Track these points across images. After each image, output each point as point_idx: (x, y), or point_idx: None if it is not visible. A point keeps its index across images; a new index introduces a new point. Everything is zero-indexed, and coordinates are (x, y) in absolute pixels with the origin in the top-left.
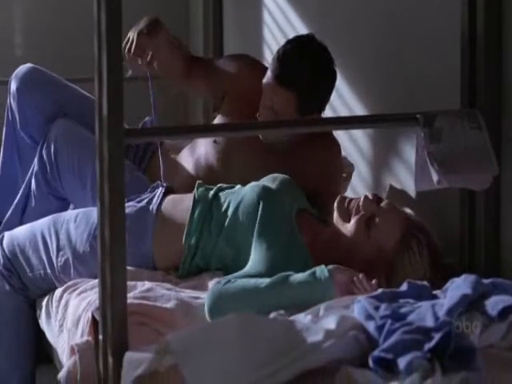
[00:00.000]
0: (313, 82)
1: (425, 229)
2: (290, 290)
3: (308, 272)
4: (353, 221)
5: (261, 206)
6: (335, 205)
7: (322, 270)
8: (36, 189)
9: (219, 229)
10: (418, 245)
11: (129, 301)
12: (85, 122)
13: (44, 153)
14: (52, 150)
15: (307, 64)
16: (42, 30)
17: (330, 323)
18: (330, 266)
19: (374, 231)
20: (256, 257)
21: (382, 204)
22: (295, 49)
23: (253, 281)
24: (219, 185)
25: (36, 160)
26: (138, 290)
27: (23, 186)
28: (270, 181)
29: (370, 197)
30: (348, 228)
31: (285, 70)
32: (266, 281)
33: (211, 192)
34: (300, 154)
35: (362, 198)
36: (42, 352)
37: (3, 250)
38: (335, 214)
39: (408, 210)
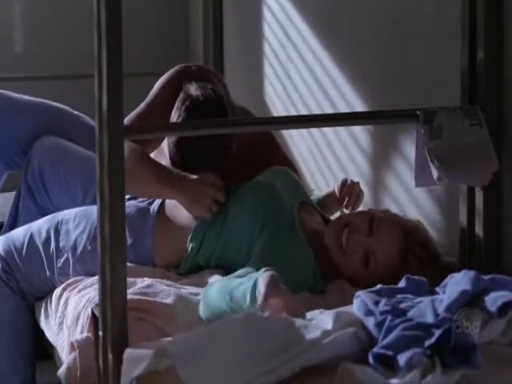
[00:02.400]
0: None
1: (422, 237)
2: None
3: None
4: (349, 260)
5: (260, 206)
6: (326, 236)
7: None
8: (25, 212)
9: (220, 229)
10: (419, 261)
11: (128, 296)
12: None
13: (29, 178)
14: (36, 173)
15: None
16: (42, 27)
17: (329, 321)
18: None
19: (372, 266)
20: (256, 256)
21: (375, 232)
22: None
23: (225, 290)
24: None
25: (21, 187)
26: (138, 286)
27: (9, 210)
28: (269, 177)
29: (364, 223)
30: (344, 265)
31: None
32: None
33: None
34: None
35: (355, 234)
36: (42, 352)
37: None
38: (328, 244)
39: (400, 215)
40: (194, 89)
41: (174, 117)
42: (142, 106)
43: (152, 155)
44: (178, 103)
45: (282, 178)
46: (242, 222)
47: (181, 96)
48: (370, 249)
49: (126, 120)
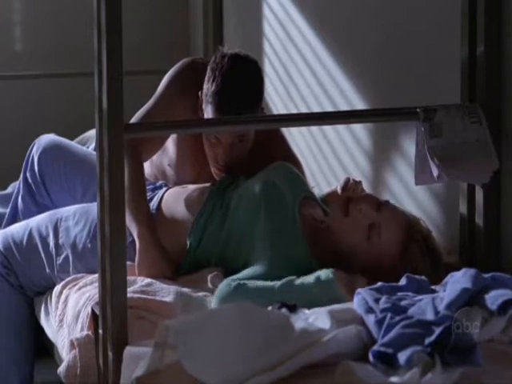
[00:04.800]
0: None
1: (424, 231)
2: (300, 294)
3: (314, 275)
4: (353, 227)
5: (262, 203)
6: (332, 199)
7: (325, 273)
8: (24, 209)
9: (220, 226)
10: (420, 249)
11: (128, 295)
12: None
13: (28, 175)
14: (36, 169)
15: (251, 92)
16: (42, 24)
17: (326, 320)
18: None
19: (375, 239)
20: (260, 256)
21: (383, 209)
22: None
23: (263, 287)
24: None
25: (21, 184)
26: (138, 284)
27: (9, 208)
28: (271, 173)
29: (372, 200)
30: (348, 233)
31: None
32: (276, 285)
33: (222, 189)
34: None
35: (362, 204)
36: (42, 348)
37: None
38: (333, 210)
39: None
40: (226, 49)
41: (210, 76)
42: (151, 102)
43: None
44: (212, 64)
45: (283, 174)
46: (243, 220)
47: (213, 59)
48: (376, 221)
49: (135, 118)
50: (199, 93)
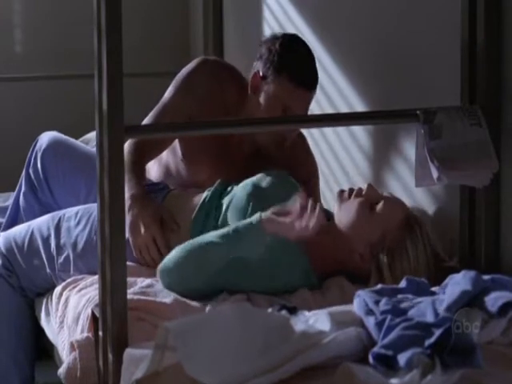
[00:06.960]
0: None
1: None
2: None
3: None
4: (355, 202)
5: (250, 207)
6: (337, 195)
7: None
8: (26, 206)
9: (215, 225)
10: (421, 229)
11: (128, 296)
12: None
13: (31, 172)
14: (39, 166)
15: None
16: (42, 26)
17: (325, 322)
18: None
19: (377, 212)
20: None
21: (384, 194)
22: (307, 50)
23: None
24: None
25: (23, 181)
26: (138, 286)
27: (10, 205)
28: (263, 178)
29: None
30: (350, 209)
31: (316, 76)
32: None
33: (216, 194)
34: (271, 157)
35: (365, 186)
36: (42, 349)
37: (0, 250)
38: (337, 204)
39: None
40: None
41: (271, 54)
42: (163, 101)
43: (164, 155)
44: (268, 45)
45: (275, 180)
46: (234, 221)
47: (264, 48)
48: (378, 200)
49: (149, 118)
50: (255, 72)
